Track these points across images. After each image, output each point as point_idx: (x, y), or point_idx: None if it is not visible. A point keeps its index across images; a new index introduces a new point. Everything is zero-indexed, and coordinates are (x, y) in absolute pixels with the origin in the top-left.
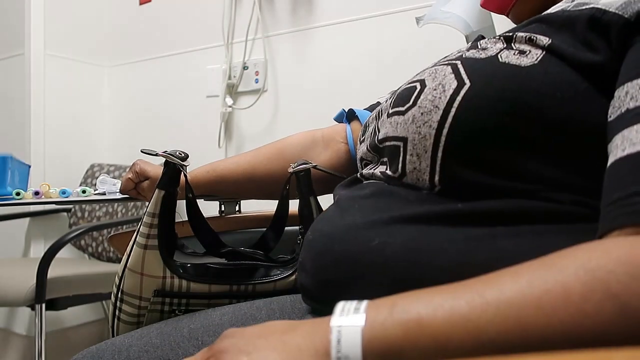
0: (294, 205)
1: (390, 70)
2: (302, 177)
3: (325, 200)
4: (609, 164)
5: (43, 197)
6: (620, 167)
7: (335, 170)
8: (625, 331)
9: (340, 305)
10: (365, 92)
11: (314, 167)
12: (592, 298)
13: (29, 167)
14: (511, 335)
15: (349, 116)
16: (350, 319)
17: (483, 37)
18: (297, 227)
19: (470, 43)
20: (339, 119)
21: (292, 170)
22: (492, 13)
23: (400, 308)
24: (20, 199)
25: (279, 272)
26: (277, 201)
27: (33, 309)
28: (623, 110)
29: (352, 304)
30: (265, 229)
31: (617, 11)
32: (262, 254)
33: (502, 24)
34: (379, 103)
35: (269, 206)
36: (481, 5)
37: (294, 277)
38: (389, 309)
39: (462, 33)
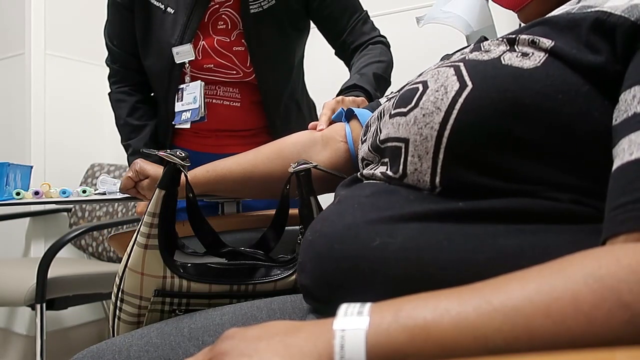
0: (294, 205)
1: None
2: (303, 177)
3: (325, 200)
4: (614, 167)
5: (43, 197)
6: (627, 171)
7: (335, 169)
8: (635, 340)
9: (343, 308)
10: None
11: (315, 167)
12: (603, 307)
13: (31, 167)
14: (519, 343)
15: (348, 115)
16: (353, 323)
17: (486, 39)
18: (297, 227)
19: (472, 44)
20: (337, 118)
21: (293, 170)
22: (492, 13)
23: (405, 313)
24: (20, 199)
25: (279, 272)
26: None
27: (33, 308)
28: (630, 114)
29: (355, 307)
30: (265, 228)
31: (622, 14)
32: (262, 254)
33: (502, 23)
34: (378, 102)
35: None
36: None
37: (294, 277)
38: (393, 314)
39: (462, 33)
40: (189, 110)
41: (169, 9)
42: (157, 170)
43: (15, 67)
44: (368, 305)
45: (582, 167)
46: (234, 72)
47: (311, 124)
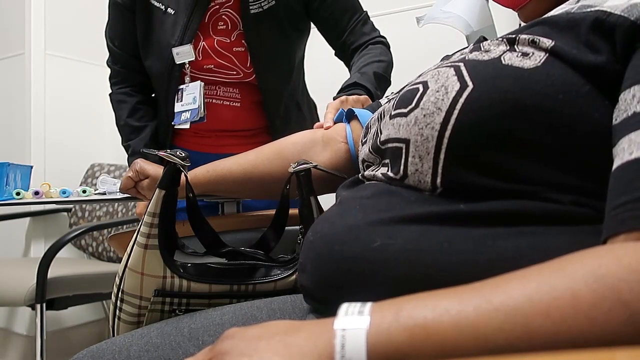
0: (294, 205)
1: None
2: (303, 177)
3: (326, 200)
4: (615, 166)
5: (43, 197)
6: (627, 171)
7: (335, 169)
8: (634, 340)
9: (344, 307)
10: None
11: (315, 167)
12: (602, 306)
13: (31, 167)
14: (519, 342)
15: (349, 116)
16: (354, 322)
17: (485, 39)
18: (297, 227)
19: (472, 45)
20: (338, 118)
21: (293, 170)
22: (492, 13)
23: (406, 313)
24: (20, 198)
25: (279, 272)
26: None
27: (33, 308)
28: (630, 114)
29: (355, 306)
30: (265, 228)
31: (622, 13)
32: (262, 254)
33: (502, 23)
34: (379, 103)
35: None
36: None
37: (294, 277)
38: (394, 314)
39: (462, 33)
40: (189, 110)
41: (169, 10)
42: (157, 170)
43: (15, 67)
44: (369, 304)
45: (582, 167)
46: (234, 72)
47: (317, 124)
